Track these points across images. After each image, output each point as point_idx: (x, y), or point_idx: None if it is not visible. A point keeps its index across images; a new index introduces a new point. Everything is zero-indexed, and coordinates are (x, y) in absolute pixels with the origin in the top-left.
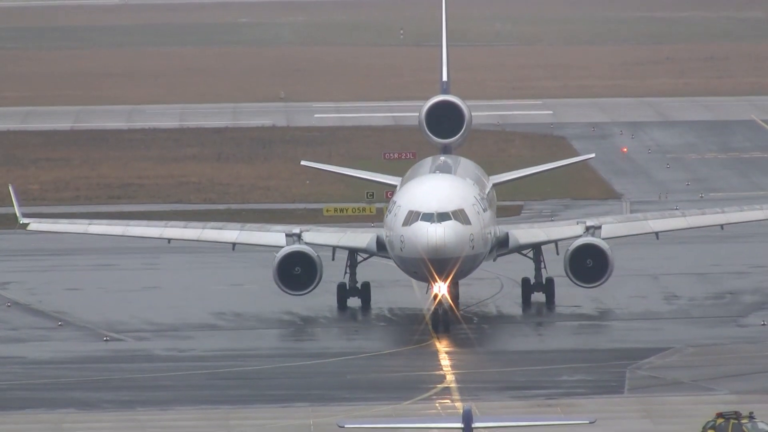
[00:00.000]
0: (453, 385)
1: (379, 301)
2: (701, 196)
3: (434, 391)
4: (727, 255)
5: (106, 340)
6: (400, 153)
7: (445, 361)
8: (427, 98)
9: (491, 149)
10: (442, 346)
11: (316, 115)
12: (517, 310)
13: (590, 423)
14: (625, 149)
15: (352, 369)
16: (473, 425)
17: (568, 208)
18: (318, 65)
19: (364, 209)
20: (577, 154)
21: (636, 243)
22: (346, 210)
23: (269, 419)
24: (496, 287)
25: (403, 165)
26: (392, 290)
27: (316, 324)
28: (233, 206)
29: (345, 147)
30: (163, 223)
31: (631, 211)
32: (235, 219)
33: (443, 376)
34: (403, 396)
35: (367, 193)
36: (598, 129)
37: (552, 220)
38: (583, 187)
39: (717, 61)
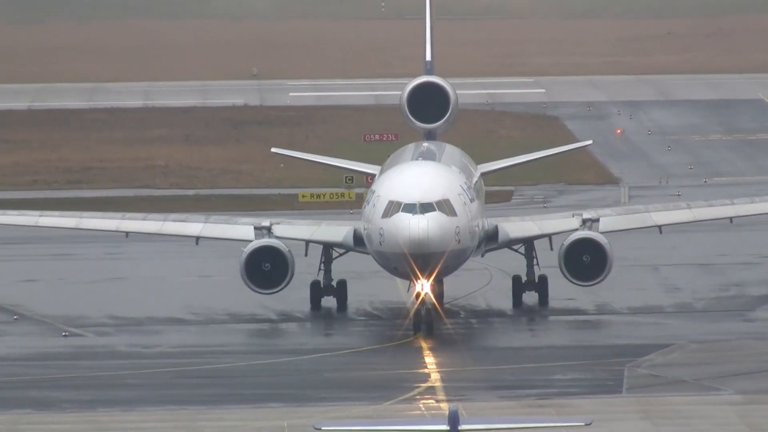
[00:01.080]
0: (438, 384)
1: (359, 293)
2: (705, 181)
3: (418, 390)
4: (733, 244)
5: (66, 336)
6: (382, 134)
7: (429, 359)
8: (411, 77)
9: (479, 130)
10: (426, 343)
11: (291, 94)
12: (507, 303)
13: (586, 425)
14: (620, 130)
15: (329, 367)
16: (460, 427)
17: (562, 193)
18: (293, 40)
19: (342, 195)
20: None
21: (634, 231)
22: (323, 196)
23: (240, 421)
24: (484, 279)
25: (385, 147)
26: (372, 282)
27: (290, 318)
28: (202, 191)
29: (323, 128)
30: (120, 214)
31: (630, 197)
32: (204, 205)
33: (427, 375)
34: (384, 396)
35: (346, 177)
36: (594, 109)
37: (545, 207)
38: (579, 172)
39: (722, 36)
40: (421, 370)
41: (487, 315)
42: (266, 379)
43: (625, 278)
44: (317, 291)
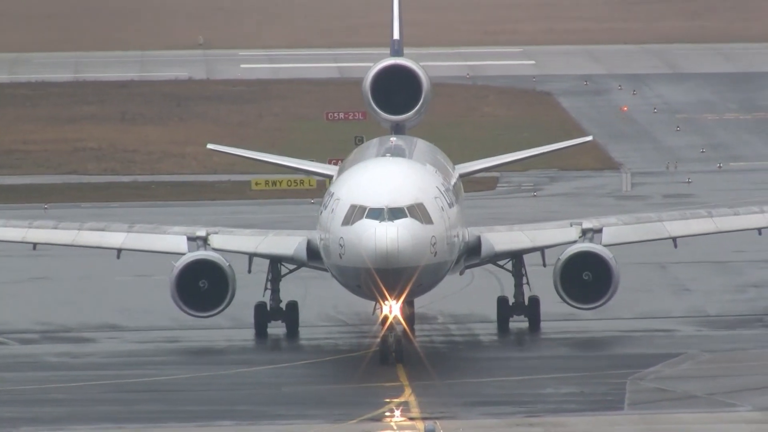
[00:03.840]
0: (412, 399)
1: (320, 295)
2: (719, 166)
3: (389, 406)
4: (752, 239)
5: None
6: (348, 113)
7: (402, 370)
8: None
9: (460, 107)
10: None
11: (242, 66)
12: (491, 306)
13: None
14: (626, 108)
15: (287, 379)
16: None
17: (555, 180)
18: (245, 4)
19: (301, 182)
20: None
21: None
22: (280, 183)
23: None
24: (465, 278)
25: (351, 127)
26: (335, 282)
27: (242, 324)
28: (140, 178)
29: (279, 104)
30: (26, 222)
31: (633, 185)
32: (142, 193)
33: (400, 388)
34: (350, 413)
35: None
36: (592, 83)
37: (535, 196)
38: (574, 156)
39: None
40: (392, 383)
41: (469, 320)
42: (214, 393)
43: (627, 278)
44: (263, 315)
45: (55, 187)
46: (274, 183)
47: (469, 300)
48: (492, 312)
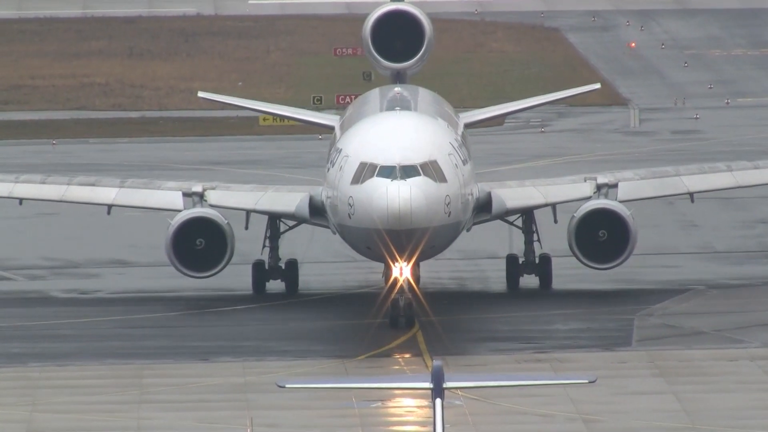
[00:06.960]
0: (420, 335)
1: (329, 231)
2: (727, 102)
3: (397, 342)
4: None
5: None
6: (355, 48)
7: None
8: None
9: (467, 43)
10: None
11: (250, 2)
12: (499, 242)
13: (590, 382)
14: (633, 44)
15: (294, 316)
16: (445, 385)
17: (563, 116)
18: None
19: None
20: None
21: (646, 160)
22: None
23: (192, 377)
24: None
25: (359, 62)
26: None
27: (249, 260)
28: (148, 113)
29: (287, 40)
30: (13, 177)
31: (641, 120)
32: (150, 129)
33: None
34: (357, 349)
35: (314, 97)
36: (599, 19)
37: (542, 132)
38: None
39: None
40: (400, 320)
41: (477, 256)
42: (221, 329)
43: (634, 214)
44: (261, 273)
45: (63, 122)
46: (282, 119)
47: (477, 237)
48: (500, 249)
